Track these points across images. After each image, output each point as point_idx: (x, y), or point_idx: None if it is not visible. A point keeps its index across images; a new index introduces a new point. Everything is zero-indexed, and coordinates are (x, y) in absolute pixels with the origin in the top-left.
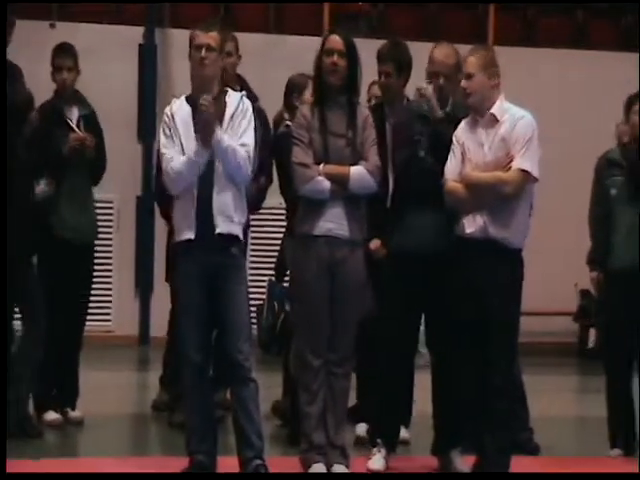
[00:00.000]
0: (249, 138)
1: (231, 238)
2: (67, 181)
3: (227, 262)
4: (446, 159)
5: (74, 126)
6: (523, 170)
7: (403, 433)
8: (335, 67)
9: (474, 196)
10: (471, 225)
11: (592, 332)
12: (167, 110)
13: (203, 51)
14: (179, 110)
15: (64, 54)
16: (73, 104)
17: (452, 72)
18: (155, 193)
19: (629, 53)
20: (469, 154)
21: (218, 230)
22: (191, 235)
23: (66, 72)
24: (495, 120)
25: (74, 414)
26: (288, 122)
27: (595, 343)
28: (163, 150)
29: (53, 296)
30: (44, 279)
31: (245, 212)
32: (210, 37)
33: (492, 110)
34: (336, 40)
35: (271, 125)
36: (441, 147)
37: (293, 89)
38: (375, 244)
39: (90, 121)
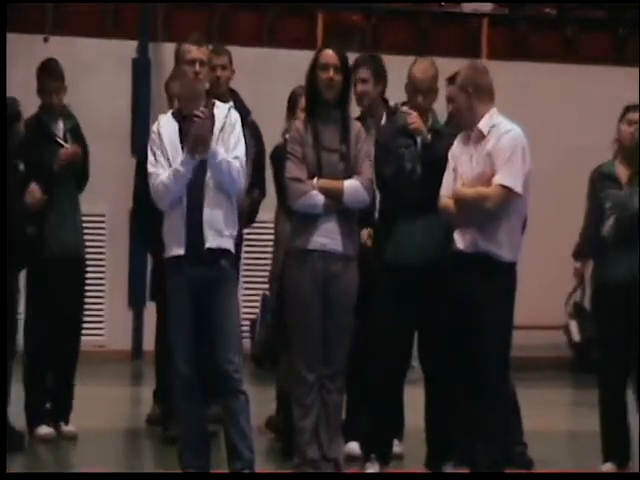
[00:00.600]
0: (240, 151)
1: (221, 252)
2: (54, 196)
3: (217, 275)
4: (439, 175)
5: (62, 142)
6: (503, 185)
7: (396, 447)
8: (331, 82)
9: (463, 212)
10: (461, 240)
11: (573, 324)
12: (154, 127)
13: (197, 66)
14: (166, 126)
15: (50, 75)
16: (59, 118)
17: (431, 85)
18: (137, 214)
19: (621, 67)
20: (461, 169)
21: (207, 245)
22: (180, 251)
23: (55, 95)
24: (482, 135)
25: (67, 428)
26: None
27: (580, 336)
28: (150, 168)
29: (45, 310)
30: (34, 293)
31: (236, 225)
32: (202, 52)
33: (479, 125)
34: (331, 55)
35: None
36: (433, 164)
37: (296, 102)
38: (366, 233)
39: (75, 134)
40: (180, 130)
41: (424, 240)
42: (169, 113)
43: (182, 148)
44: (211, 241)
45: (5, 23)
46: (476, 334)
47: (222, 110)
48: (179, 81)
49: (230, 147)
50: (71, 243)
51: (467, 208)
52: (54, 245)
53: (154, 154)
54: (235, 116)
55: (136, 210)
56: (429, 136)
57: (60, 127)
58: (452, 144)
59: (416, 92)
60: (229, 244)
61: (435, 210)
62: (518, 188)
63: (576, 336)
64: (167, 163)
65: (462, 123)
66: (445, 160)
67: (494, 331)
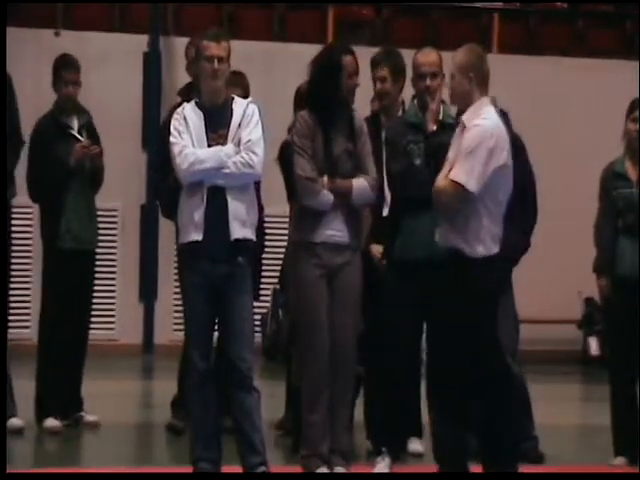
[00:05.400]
0: (253, 134)
1: (245, 242)
2: (71, 191)
3: (234, 271)
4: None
5: (78, 136)
6: (455, 181)
7: (416, 445)
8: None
9: (436, 206)
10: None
11: (592, 340)
12: (178, 111)
13: (215, 63)
14: (190, 113)
15: (72, 68)
16: (73, 114)
17: (434, 69)
18: (159, 191)
19: (631, 61)
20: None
21: (234, 236)
22: (198, 237)
23: (72, 86)
24: (464, 126)
25: (90, 418)
26: None
27: (598, 350)
28: (175, 139)
29: (60, 304)
30: (49, 287)
31: (257, 213)
32: (221, 48)
33: (463, 116)
34: (351, 61)
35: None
36: (437, 157)
37: (303, 98)
38: (376, 249)
39: (89, 129)
40: (205, 119)
41: (432, 236)
42: (192, 102)
43: (207, 137)
44: (238, 232)
45: (5, 23)
46: (442, 331)
47: (240, 105)
48: (199, 76)
49: (244, 137)
50: (86, 237)
51: (438, 203)
52: (70, 238)
53: (178, 131)
54: (252, 109)
55: (160, 190)
56: (434, 127)
57: (75, 123)
58: None
59: (420, 76)
60: (252, 234)
61: None
62: (471, 185)
63: (595, 351)
64: (192, 143)
65: (459, 107)
66: None
67: (467, 330)
